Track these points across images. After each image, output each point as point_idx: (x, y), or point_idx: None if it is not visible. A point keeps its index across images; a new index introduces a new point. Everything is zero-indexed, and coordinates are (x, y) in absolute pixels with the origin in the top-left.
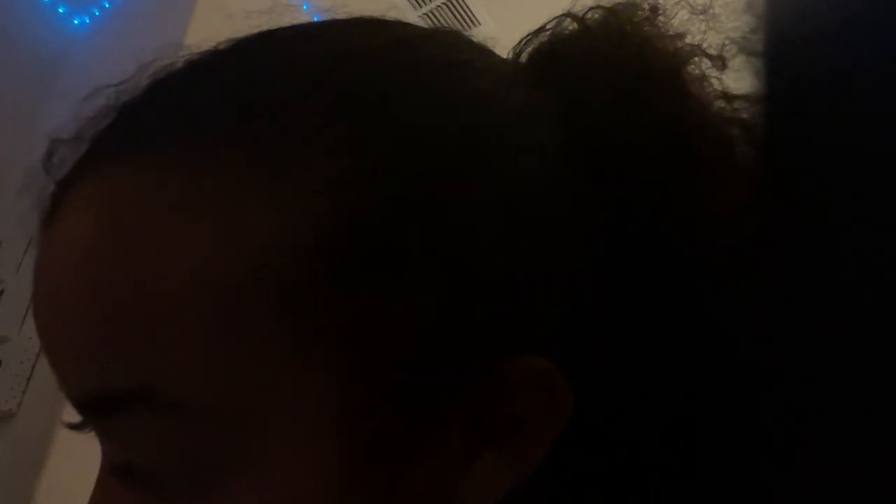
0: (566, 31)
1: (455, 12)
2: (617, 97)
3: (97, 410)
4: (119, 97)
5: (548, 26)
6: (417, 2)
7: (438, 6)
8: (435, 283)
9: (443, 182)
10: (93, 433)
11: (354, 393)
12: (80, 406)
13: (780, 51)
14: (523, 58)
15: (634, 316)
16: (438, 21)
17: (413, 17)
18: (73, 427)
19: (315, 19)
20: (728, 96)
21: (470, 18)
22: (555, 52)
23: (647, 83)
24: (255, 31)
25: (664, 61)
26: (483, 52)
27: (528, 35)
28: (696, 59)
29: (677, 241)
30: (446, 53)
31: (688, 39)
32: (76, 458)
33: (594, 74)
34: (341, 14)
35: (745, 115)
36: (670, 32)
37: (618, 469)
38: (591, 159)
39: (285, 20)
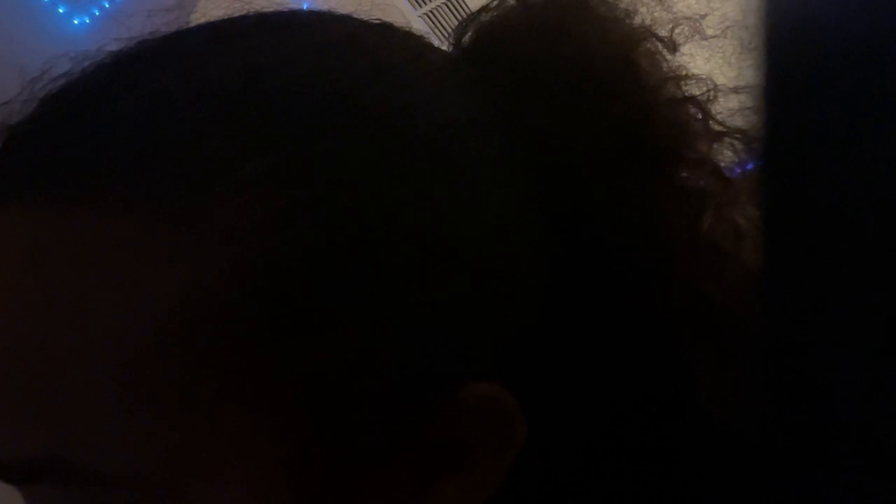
0: (509, 11)
1: (455, 12)
2: (559, 94)
3: (13, 476)
4: (8, 118)
5: (492, 4)
6: (417, 2)
7: (438, 6)
8: (368, 321)
9: (370, 214)
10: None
11: (294, 437)
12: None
13: (778, 42)
14: (466, 41)
15: (589, 333)
16: (438, 21)
17: (413, 17)
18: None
19: None
20: (679, 77)
21: None
22: (495, 37)
23: (593, 73)
24: (50, 71)
25: (613, 45)
26: (414, 53)
27: (471, 14)
28: (648, 41)
29: (632, 246)
30: (372, 60)
31: (638, 20)
32: None
33: (536, 67)
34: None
35: (697, 94)
36: (620, 12)
37: (579, 490)
38: (535, 165)
39: None
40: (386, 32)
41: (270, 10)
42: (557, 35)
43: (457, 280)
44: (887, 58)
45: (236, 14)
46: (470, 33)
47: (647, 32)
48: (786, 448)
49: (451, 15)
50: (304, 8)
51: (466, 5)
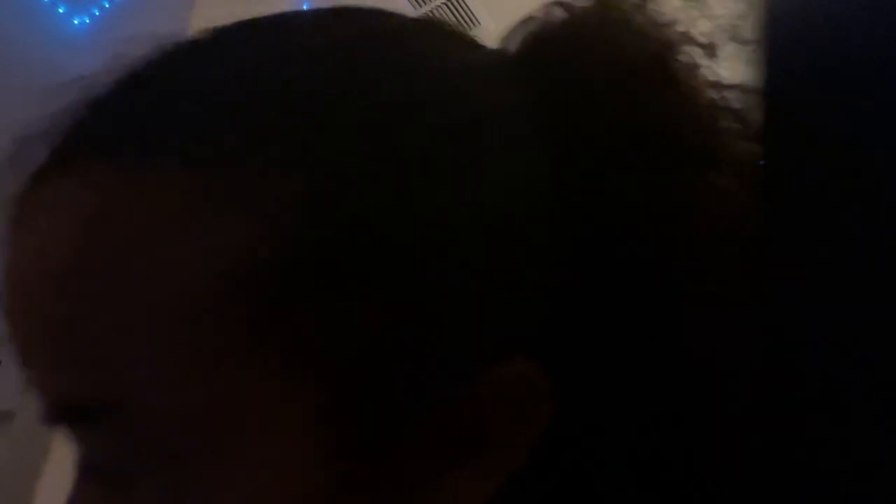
0: (554, 20)
1: (455, 12)
2: (600, 94)
3: (67, 418)
4: (88, 93)
5: (537, 14)
6: (417, 1)
7: (438, 6)
8: (398, 300)
9: (409, 193)
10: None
11: (322, 405)
12: (51, 412)
13: (778, 41)
14: (512, 47)
15: (616, 318)
16: None
17: (413, 16)
18: (49, 422)
19: None
20: (719, 85)
21: (470, 18)
22: (540, 43)
23: (633, 76)
24: (127, 54)
25: (652, 52)
26: (463, 46)
27: (516, 24)
28: (687, 48)
29: (663, 239)
30: (420, 50)
31: (678, 27)
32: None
33: (577, 69)
34: None
35: (736, 105)
36: (660, 20)
37: (600, 478)
38: (572, 159)
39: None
40: (440, 27)
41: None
42: (600, 37)
43: (488, 260)
44: (885, 54)
45: (236, 14)
46: (516, 39)
47: (686, 39)
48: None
49: (451, 15)
50: (305, 8)
51: (466, 5)
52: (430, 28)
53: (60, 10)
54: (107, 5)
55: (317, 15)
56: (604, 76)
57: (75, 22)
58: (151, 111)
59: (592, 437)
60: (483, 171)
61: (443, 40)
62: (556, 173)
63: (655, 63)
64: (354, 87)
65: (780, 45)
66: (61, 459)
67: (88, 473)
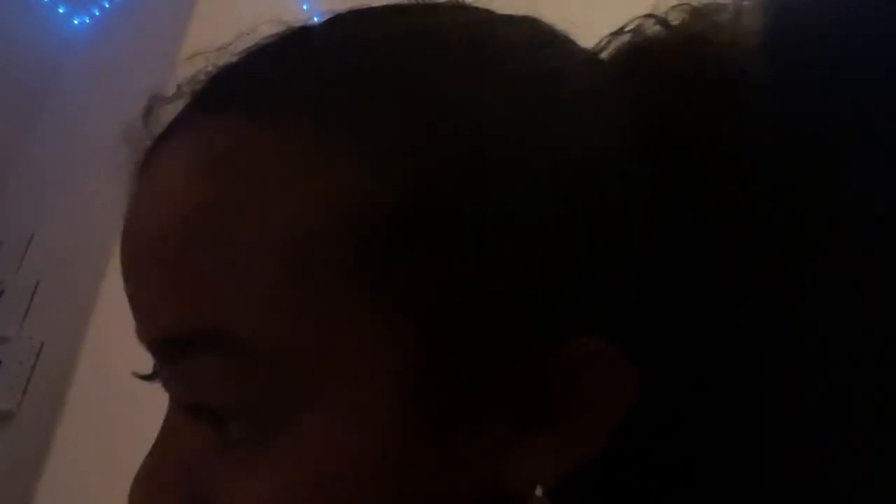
0: (648, 31)
1: None
2: (694, 98)
3: (172, 351)
4: (218, 60)
5: (627, 27)
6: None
7: None
8: (505, 257)
9: (514, 161)
10: (118, 390)
11: (413, 357)
12: (155, 347)
13: (776, 44)
14: (603, 56)
15: (696, 307)
16: None
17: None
18: (143, 377)
19: (316, 19)
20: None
21: None
22: (635, 50)
23: (725, 87)
24: (257, 31)
25: (744, 65)
26: (562, 39)
27: (607, 35)
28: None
29: (739, 234)
30: (530, 33)
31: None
32: (76, 458)
33: (674, 74)
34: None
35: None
36: (752, 32)
37: (675, 467)
38: (659, 150)
39: (285, 20)
40: (539, 21)
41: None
42: (695, 47)
43: (583, 233)
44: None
45: (237, 14)
46: (608, 50)
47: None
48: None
49: None
50: (305, 8)
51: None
52: (530, 20)
53: (60, 10)
54: (107, 5)
55: (425, 4)
56: (697, 83)
57: (75, 22)
58: (279, 72)
59: (669, 436)
60: (583, 148)
61: (547, 29)
62: (647, 160)
63: (745, 65)
64: (469, 62)
65: (779, 46)
66: (61, 459)
67: (182, 411)
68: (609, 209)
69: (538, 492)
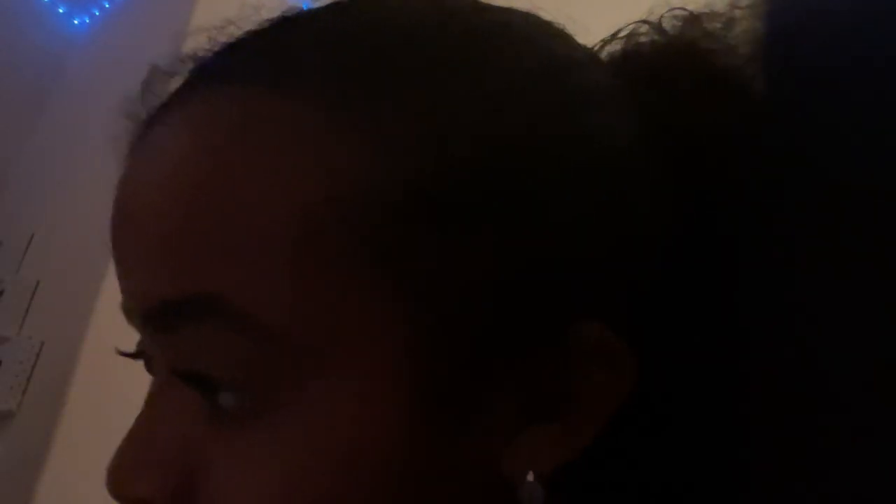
0: (641, 38)
1: None
2: (694, 98)
3: (170, 318)
4: (219, 38)
5: (621, 33)
6: None
7: None
8: (513, 242)
9: (533, 145)
10: (119, 388)
11: (419, 335)
12: (150, 315)
13: (779, 43)
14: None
15: (701, 300)
16: None
17: None
18: (128, 355)
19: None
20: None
21: None
22: (630, 56)
23: (724, 88)
24: (260, 10)
25: (739, 71)
26: (568, 33)
27: (600, 41)
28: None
29: (751, 228)
30: (540, 24)
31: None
32: (76, 458)
33: (671, 76)
34: None
35: None
36: (744, 40)
37: (672, 458)
38: (666, 146)
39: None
40: (542, 18)
41: None
42: (691, 51)
43: (596, 219)
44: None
45: (237, 14)
46: (602, 55)
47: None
48: None
49: None
50: (305, 8)
51: None
52: (536, 16)
53: (60, 10)
54: (107, 5)
55: None
56: (700, 83)
57: (75, 22)
58: (294, 45)
59: (666, 425)
60: (599, 136)
61: (556, 25)
62: (659, 154)
63: (739, 66)
64: (497, 45)
65: (781, 44)
66: (61, 459)
67: (168, 385)
68: (623, 197)
69: (529, 476)
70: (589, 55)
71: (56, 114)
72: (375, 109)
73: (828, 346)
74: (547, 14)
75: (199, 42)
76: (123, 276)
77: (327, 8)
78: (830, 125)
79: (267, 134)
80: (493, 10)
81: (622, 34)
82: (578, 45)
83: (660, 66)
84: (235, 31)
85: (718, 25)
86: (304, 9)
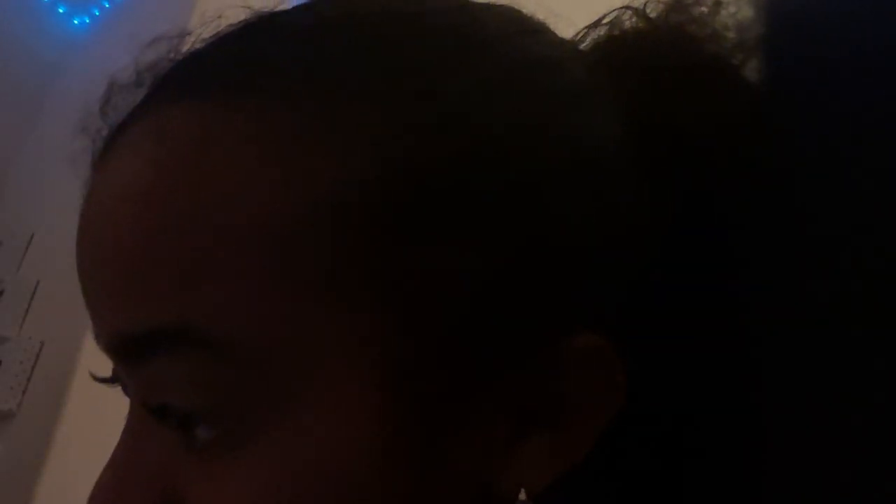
0: (626, 24)
1: None
2: (679, 89)
3: (135, 351)
4: (178, 48)
5: (604, 20)
6: None
7: None
8: (496, 247)
9: (509, 147)
10: (118, 388)
11: (401, 349)
12: (117, 348)
13: (777, 41)
14: (584, 47)
15: (689, 302)
16: None
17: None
18: (101, 380)
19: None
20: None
21: None
22: (614, 43)
23: (708, 77)
24: (222, 18)
25: (726, 56)
26: (546, 27)
27: (584, 28)
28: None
29: (736, 226)
30: (516, 20)
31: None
32: (76, 458)
33: (656, 67)
34: None
35: None
36: (732, 25)
37: (666, 462)
38: (652, 140)
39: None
40: (523, 12)
41: None
42: (676, 38)
43: (580, 225)
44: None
45: (237, 14)
46: (585, 43)
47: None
48: None
49: None
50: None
51: None
52: (516, 10)
53: (60, 10)
54: (107, 5)
55: None
56: (683, 74)
57: (75, 22)
58: (250, 56)
59: (658, 436)
60: (585, 136)
61: (535, 20)
62: (641, 152)
63: (730, 71)
64: (468, 42)
65: (779, 43)
66: (61, 459)
67: (144, 414)
68: (608, 200)
69: (521, 494)
70: (569, 50)
71: (56, 114)
72: (343, 117)
73: (820, 344)
74: (530, 7)
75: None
76: (88, 305)
77: (291, 11)
78: (830, 117)
79: (222, 150)
80: (468, 8)
81: (606, 20)
82: (558, 40)
83: (644, 55)
84: (197, 39)
85: (704, 10)
86: (269, 11)
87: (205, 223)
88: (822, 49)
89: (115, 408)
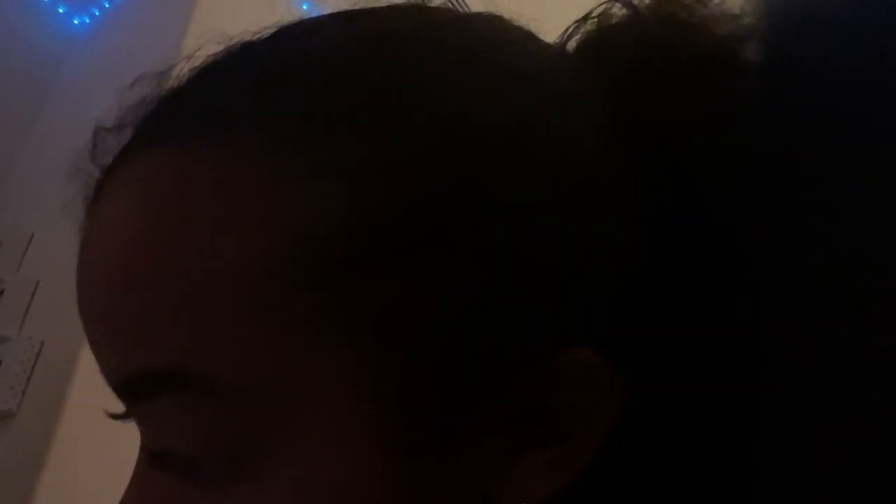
0: (615, 17)
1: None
2: (670, 80)
3: (134, 395)
4: (161, 85)
5: (594, 13)
6: None
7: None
8: (475, 272)
9: (485, 168)
10: (132, 423)
11: (396, 376)
12: (119, 392)
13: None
14: (570, 45)
15: (683, 309)
16: None
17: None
18: (116, 417)
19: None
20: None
21: None
22: (603, 36)
23: (701, 66)
24: (256, 31)
25: (719, 45)
26: (526, 35)
27: (574, 23)
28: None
29: (730, 229)
30: (488, 35)
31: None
32: (76, 458)
33: (646, 57)
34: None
35: None
36: (726, 13)
37: (667, 471)
38: (642, 143)
39: (285, 20)
40: (501, 18)
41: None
42: (666, 30)
43: (563, 241)
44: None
45: (237, 14)
46: (575, 37)
47: (739, 31)
48: None
49: None
50: (304, 8)
51: (466, 5)
52: (493, 19)
53: (60, 10)
54: (107, 5)
55: (374, 9)
56: (672, 67)
57: (75, 22)
58: (218, 95)
59: (656, 443)
60: (565, 150)
61: (510, 28)
62: (630, 157)
63: (724, 58)
64: (437, 65)
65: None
66: (61, 459)
67: (150, 463)
68: (596, 214)
69: None
70: (551, 58)
71: (56, 114)
72: (314, 154)
73: (819, 346)
74: (513, 13)
75: (198, 43)
76: (91, 346)
77: (266, 41)
78: (829, 108)
79: (192, 195)
80: (443, 27)
81: (596, 13)
82: (539, 48)
83: (633, 47)
84: (180, 74)
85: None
86: (249, 42)
87: (185, 269)
88: (819, 38)
89: (114, 408)
